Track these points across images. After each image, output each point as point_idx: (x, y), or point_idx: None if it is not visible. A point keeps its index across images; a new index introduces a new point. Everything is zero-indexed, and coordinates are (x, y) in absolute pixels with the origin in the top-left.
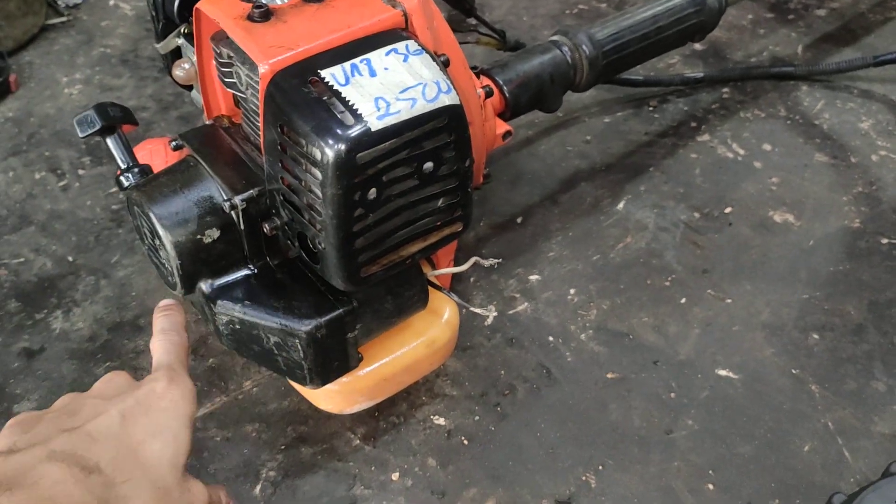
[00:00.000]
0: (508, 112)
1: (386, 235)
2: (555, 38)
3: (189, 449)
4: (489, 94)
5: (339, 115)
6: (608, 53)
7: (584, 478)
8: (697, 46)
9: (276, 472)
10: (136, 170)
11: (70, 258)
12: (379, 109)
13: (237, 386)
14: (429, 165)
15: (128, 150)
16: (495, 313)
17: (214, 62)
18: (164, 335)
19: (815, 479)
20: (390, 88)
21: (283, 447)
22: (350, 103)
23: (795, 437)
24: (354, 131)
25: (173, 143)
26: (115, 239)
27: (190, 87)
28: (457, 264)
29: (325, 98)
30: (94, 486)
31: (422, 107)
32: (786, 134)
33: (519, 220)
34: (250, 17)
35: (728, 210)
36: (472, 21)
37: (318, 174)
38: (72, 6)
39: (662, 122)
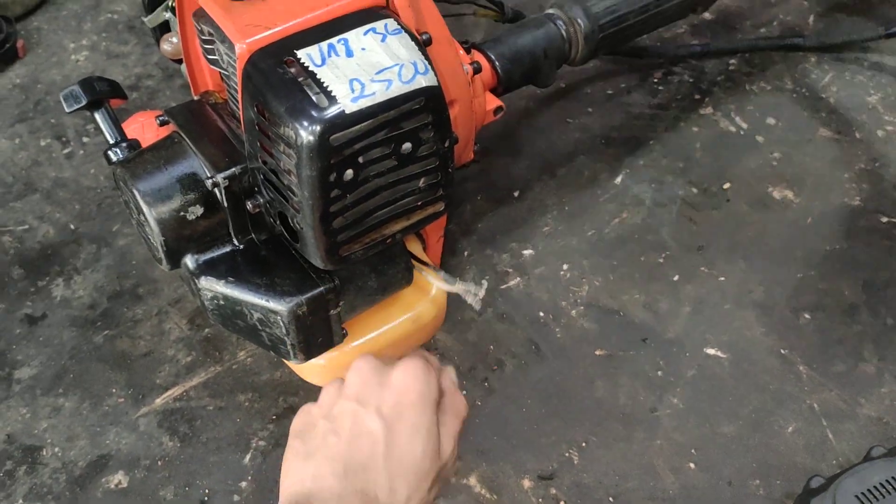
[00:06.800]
0: (501, 87)
1: (365, 215)
2: (550, 10)
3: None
4: (477, 70)
5: (313, 97)
6: (605, 27)
7: (567, 454)
8: (706, 15)
9: (265, 442)
10: (123, 145)
11: (72, 226)
12: (354, 91)
13: (231, 356)
14: (407, 146)
15: (115, 124)
16: (480, 297)
17: (198, 38)
18: None
19: (796, 459)
20: (366, 69)
21: (274, 417)
22: (325, 85)
23: (780, 418)
24: (328, 113)
25: (159, 118)
26: (116, 207)
27: (179, 61)
28: (447, 240)
29: (300, 79)
30: None
31: (397, 88)
32: (791, 107)
33: (516, 193)
34: None
35: (727, 186)
36: None
37: (294, 155)
38: None
39: (666, 95)
